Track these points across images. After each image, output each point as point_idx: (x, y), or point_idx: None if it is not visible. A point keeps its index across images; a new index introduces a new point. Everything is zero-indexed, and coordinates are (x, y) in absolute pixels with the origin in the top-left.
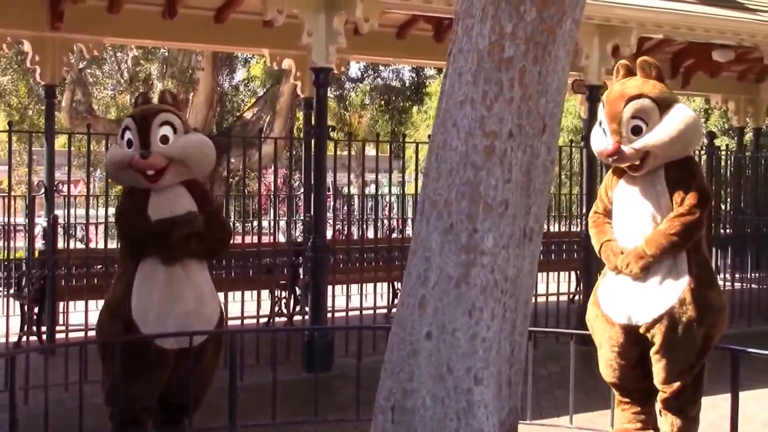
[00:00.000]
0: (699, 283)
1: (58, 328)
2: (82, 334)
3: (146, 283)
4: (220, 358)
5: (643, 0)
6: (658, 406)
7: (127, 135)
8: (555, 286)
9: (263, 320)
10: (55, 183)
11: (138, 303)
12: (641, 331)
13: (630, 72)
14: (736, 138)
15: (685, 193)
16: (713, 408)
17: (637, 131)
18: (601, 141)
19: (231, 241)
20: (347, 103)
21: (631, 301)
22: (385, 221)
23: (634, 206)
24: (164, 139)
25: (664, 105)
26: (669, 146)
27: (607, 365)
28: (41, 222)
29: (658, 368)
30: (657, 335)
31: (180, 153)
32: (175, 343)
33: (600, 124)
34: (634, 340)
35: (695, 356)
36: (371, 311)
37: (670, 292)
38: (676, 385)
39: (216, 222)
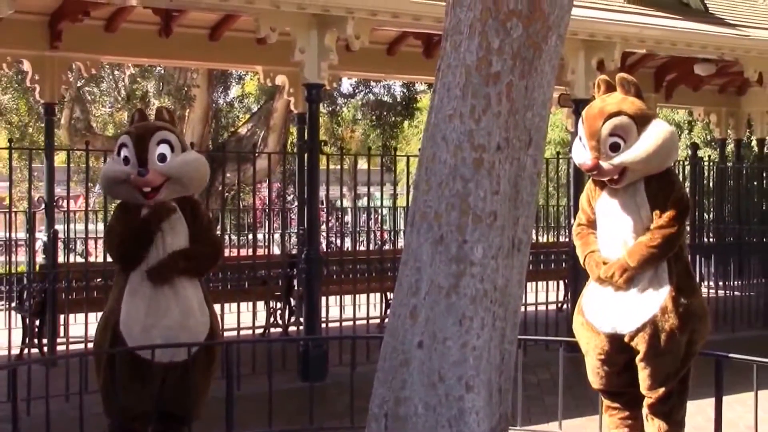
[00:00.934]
0: (680, 291)
1: (58, 340)
2: (82, 345)
3: (134, 297)
4: (212, 370)
5: (626, 16)
6: (644, 410)
7: (124, 152)
8: (544, 295)
9: (259, 331)
10: (55, 198)
11: (125, 316)
12: (626, 340)
13: (610, 87)
14: (718, 149)
15: (665, 205)
16: (698, 412)
17: (615, 148)
18: (581, 155)
19: (225, 254)
20: (339, 118)
21: (614, 310)
22: (377, 233)
23: (616, 218)
24: (162, 158)
25: (641, 122)
26: (646, 162)
27: (594, 372)
28: (42, 237)
29: (643, 375)
30: (641, 343)
31: (177, 172)
32: (162, 356)
33: (580, 138)
34: (619, 348)
35: (680, 362)
36: (364, 321)
37: (652, 301)
38: (662, 390)
39: (206, 238)
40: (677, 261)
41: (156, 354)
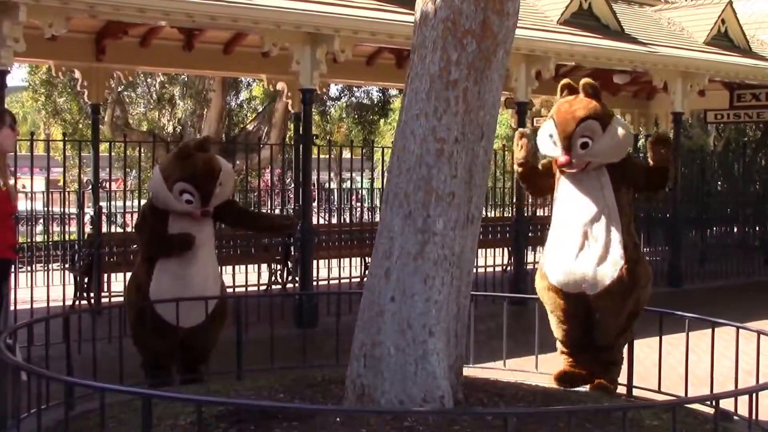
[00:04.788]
0: (630, 261)
1: (102, 294)
2: (121, 298)
3: (164, 273)
4: (225, 322)
5: (559, 35)
6: (596, 353)
7: (187, 197)
8: (491, 259)
9: (263, 287)
10: (100, 181)
11: (155, 288)
12: (587, 301)
13: (573, 90)
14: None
15: (639, 176)
16: None
17: (584, 146)
18: (553, 150)
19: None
20: (328, 116)
21: (575, 276)
22: (358, 209)
23: (576, 203)
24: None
25: (604, 122)
26: (608, 156)
27: (558, 327)
28: (89, 211)
29: (599, 329)
30: (599, 305)
31: (223, 198)
32: (184, 321)
33: (551, 135)
34: (578, 308)
35: (629, 320)
36: (348, 280)
37: (608, 269)
38: (613, 343)
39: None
40: (628, 234)
41: (178, 320)
